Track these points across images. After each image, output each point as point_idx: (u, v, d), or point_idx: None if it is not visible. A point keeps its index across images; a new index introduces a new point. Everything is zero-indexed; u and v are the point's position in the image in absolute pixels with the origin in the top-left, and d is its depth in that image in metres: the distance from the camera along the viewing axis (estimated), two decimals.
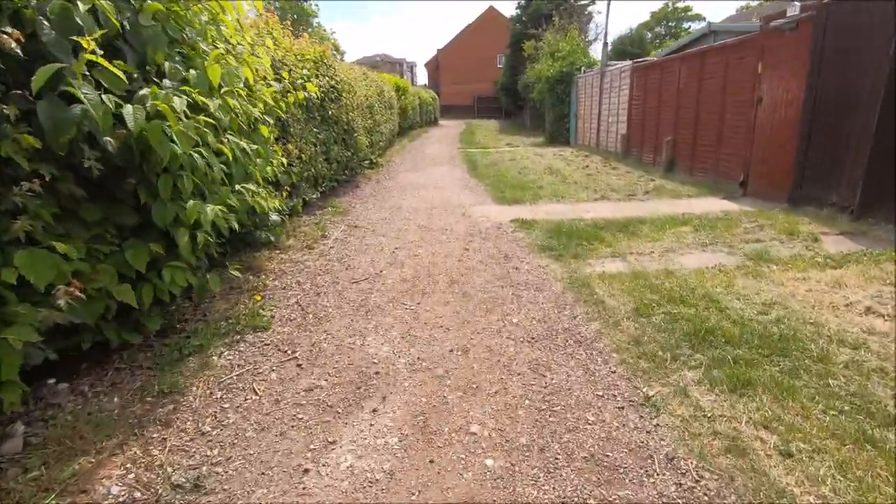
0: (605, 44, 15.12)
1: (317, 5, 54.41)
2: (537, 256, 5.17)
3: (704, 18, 55.23)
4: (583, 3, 28.49)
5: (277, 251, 5.43)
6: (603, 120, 14.54)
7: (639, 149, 11.88)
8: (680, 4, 54.45)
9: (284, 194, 5.43)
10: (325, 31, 56.77)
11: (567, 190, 8.71)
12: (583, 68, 16.35)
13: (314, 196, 7.31)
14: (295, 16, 54.16)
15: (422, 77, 69.50)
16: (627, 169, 11.09)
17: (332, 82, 7.95)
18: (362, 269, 5.06)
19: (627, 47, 40.91)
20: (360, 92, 10.73)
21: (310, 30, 55.24)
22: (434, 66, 57.41)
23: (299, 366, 3.09)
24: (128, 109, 2.43)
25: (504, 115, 45.50)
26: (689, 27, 53.29)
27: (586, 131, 16.20)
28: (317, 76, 7.16)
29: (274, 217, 4.99)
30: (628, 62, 12.97)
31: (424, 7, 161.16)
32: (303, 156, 6.47)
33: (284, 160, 5.25)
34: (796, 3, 6.47)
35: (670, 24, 54.88)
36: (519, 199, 7.92)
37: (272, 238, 5.22)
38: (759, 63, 7.16)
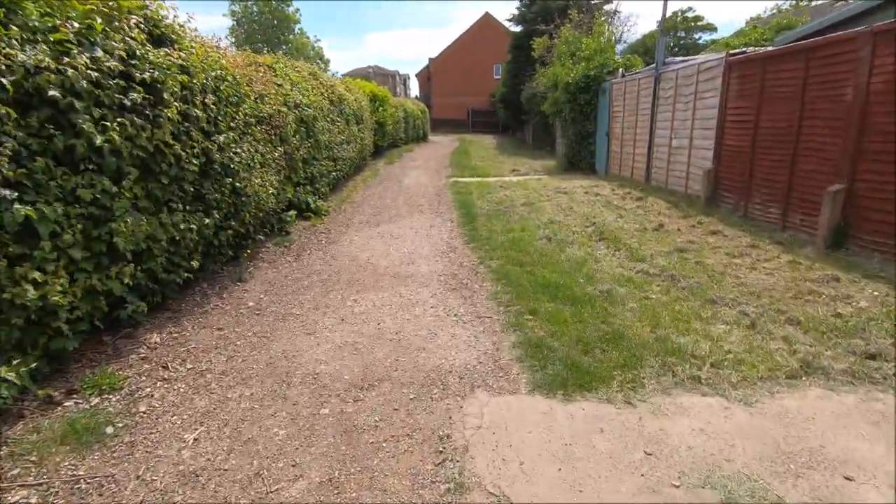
0: (663, 29, 10.58)
1: (300, 12, 50.07)
2: None
3: (716, 28, 51.60)
4: (596, 1, 24.21)
5: None
6: (659, 143, 9.91)
7: (741, 196, 7.21)
8: (690, 14, 50.78)
9: None
10: (307, 37, 52.77)
11: (686, 318, 3.99)
12: (620, 70, 11.86)
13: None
14: (276, 21, 50.35)
15: (416, 89, 65.27)
16: (739, 234, 6.40)
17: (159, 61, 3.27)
18: None
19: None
20: (275, 96, 6.02)
21: (291, 35, 51.37)
22: (426, 77, 53.09)
23: None
24: None
25: (501, 131, 41.18)
26: (700, 37, 49.60)
27: (626, 157, 11.60)
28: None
29: None
30: (714, 55, 8.38)
31: (421, 21, 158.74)
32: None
33: None
34: None
35: (680, 34, 51.18)
36: (599, 373, 3.15)
37: None
38: None
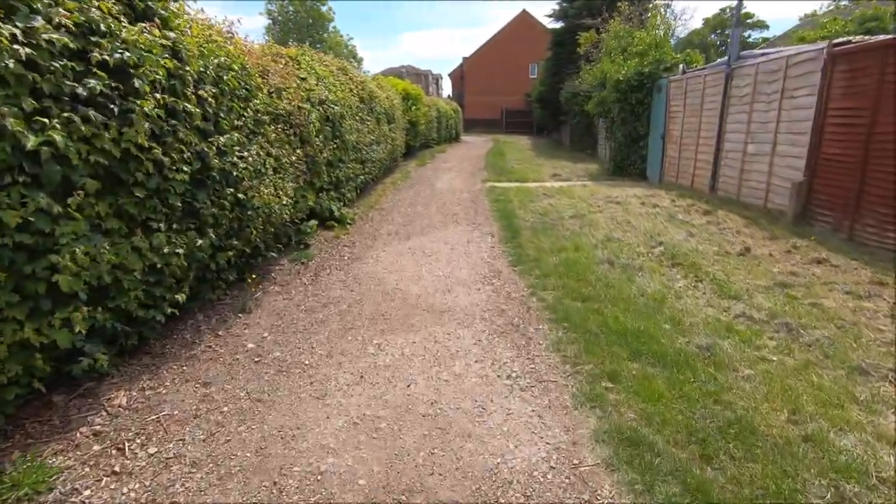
0: (738, 19, 9.27)
1: (333, 11, 50.02)
2: None
3: (768, 26, 48.81)
4: None
5: None
6: (730, 149, 8.67)
7: (844, 214, 5.99)
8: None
9: None
10: (341, 36, 52.67)
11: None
12: (681, 66, 10.60)
13: None
14: (311, 20, 50.55)
15: (448, 89, 64.42)
16: (853, 264, 5.18)
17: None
18: None
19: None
20: (295, 91, 5.19)
21: (325, 34, 51.42)
22: (459, 76, 52.15)
23: None
24: None
25: (535, 131, 39.83)
26: (750, 35, 46.93)
27: (686, 163, 10.35)
28: None
29: None
30: (809, 46, 7.11)
31: (455, 21, 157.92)
32: None
33: None
34: None
35: (727, 31, 48.54)
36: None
37: None
38: None
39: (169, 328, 3.61)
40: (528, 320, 3.94)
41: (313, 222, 6.37)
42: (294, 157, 5.30)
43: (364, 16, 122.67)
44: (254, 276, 4.65)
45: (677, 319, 3.84)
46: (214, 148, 3.60)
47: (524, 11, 44.77)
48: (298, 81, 6.06)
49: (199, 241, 3.44)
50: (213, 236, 3.58)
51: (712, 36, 49.14)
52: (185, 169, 3.28)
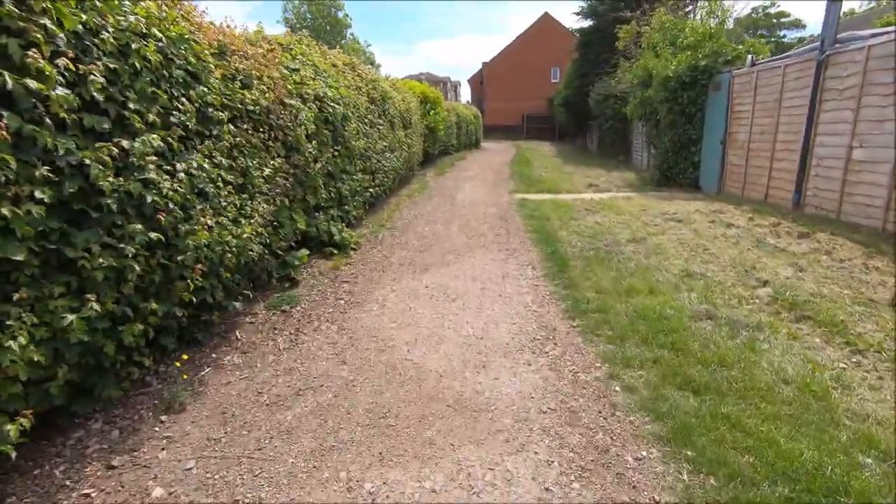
0: None
1: (350, 17, 49.48)
2: None
3: (804, 25, 46.30)
4: None
5: None
6: (824, 154, 7.00)
7: None
8: (773, 10, 45.81)
9: None
10: (358, 42, 51.98)
11: None
12: (749, 58, 8.97)
13: None
14: (328, 26, 50.13)
15: (466, 95, 63.13)
16: None
17: None
18: None
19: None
20: (275, 82, 3.78)
21: (343, 41, 50.81)
22: (478, 81, 50.77)
23: None
24: None
25: (558, 137, 38.14)
26: (785, 35, 44.56)
27: (756, 172, 8.69)
28: None
29: None
30: None
31: (473, 27, 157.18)
32: None
33: None
34: None
35: (761, 31, 46.28)
36: None
37: None
38: None
39: (36, 452, 2.20)
40: (620, 439, 2.41)
41: (303, 252, 4.94)
42: (269, 171, 3.88)
43: (383, 24, 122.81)
44: (184, 357, 3.19)
45: (865, 438, 2.28)
46: (109, 158, 2.18)
47: (546, 14, 43.31)
48: (284, 72, 4.67)
49: (66, 320, 2.01)
50: (99, 308, 2.14)
51: (745, 36, 46.81)
52: (38, 195, 1.87)
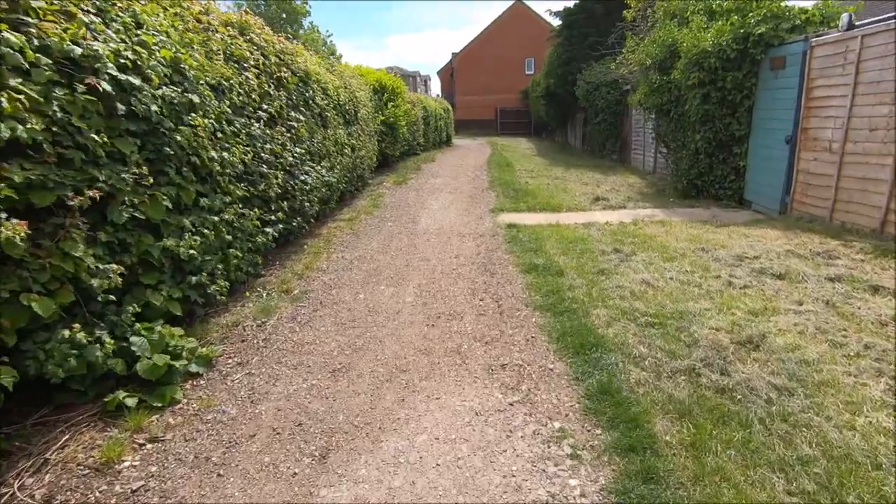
0: None
1: (309, 5, 45.20)
2: None
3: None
4: None
5: None
6: None
7: None
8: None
9: None
10: (318, 32, 47.99)
11: None
12: (843, 17, 6.18)
13: None
14: (284, 14, 45.90)
15: (437, 89, 59.71)
16: None
17: None
18: None
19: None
20: None
21: (301, 31, 46.67)
22: (448, 74, 47.53)
23: None
24: None
25: (534, 132, 35.37)
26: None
27: (855, 184, 5.92)
28: None
29: None
30: None
31: (441, 22, 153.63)
32: None
33: None
34: None
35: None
36: None
37: None
38: None
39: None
40: None
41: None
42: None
43: (349, 18, 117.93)
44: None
45: None
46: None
47: (518, 2, 40.40)
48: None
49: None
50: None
51: None
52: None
